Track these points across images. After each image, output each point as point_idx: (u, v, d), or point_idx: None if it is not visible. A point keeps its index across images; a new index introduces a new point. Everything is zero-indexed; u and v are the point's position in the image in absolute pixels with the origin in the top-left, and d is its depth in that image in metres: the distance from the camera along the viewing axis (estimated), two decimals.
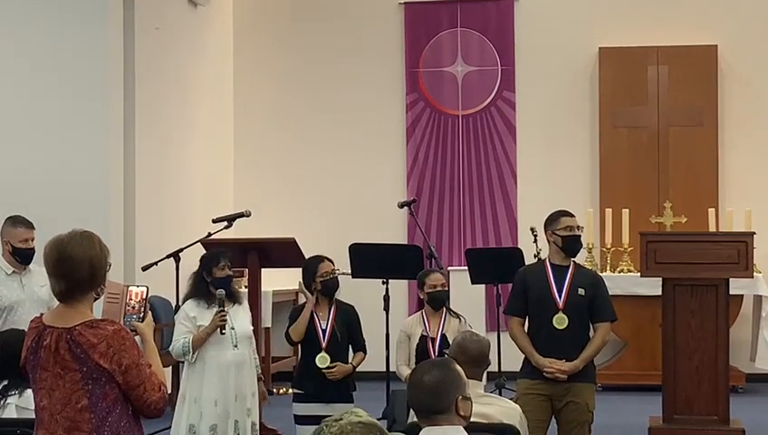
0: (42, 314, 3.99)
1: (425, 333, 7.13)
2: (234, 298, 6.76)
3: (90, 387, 3.78)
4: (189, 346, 6.57)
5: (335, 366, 6.91)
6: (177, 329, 6.74)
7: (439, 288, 7.20)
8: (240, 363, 6.65)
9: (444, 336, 7.04)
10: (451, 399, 3.69)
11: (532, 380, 6.28)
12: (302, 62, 12.03)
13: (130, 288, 4.22)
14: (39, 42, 9.09)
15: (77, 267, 3.86)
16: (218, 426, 6.56)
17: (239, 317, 6.71)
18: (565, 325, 6.24)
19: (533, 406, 6.12)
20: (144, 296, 4.20)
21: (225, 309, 6.61)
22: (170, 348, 6.71)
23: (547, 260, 6.46)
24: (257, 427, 6.80)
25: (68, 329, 3.79)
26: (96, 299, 3.93)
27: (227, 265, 6.72)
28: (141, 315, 4.16)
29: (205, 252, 7.24)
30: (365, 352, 7.14)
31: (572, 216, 6.51)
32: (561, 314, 6.26)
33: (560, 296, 6.28)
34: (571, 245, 6.39)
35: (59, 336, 3.80)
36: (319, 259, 7.10)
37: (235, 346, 6.62)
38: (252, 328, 6.84)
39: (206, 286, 6.68)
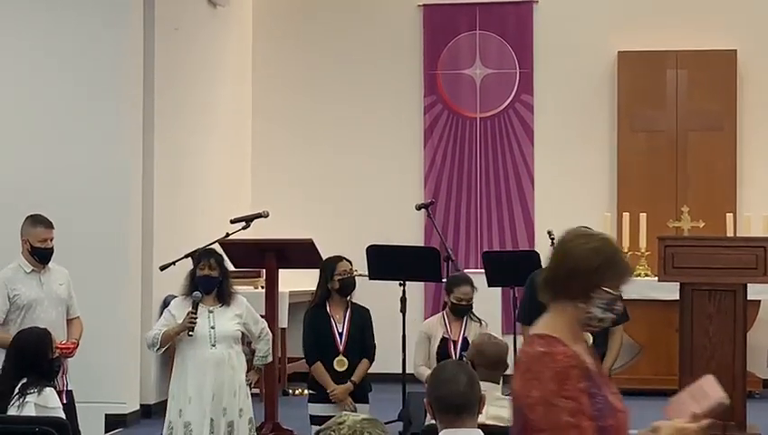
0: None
1: (446, 336, 7.14)
2: (222, 298, 6.82)
3: None
4: (159, 339, 6.73)
5: (335, 390, 6.94)
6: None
7: (464, 302, 7.25)
8: (218, 362, 6.69)
9: (465, 339, 7.05)
10: (479, 397, 3.68)
11: None
12: (321, 64, 12.05)
13: None
14: (59, 43, 9.12)
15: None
16: (192, 423, 6.63)
17: (224, 317, 6.78)
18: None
19: None
20: None
21: (209, 309, 6.73)
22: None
23: None
24: (252, 425, 6.86)
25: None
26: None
27: (209, 266, 6.79)
28: None
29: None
30: (371, 360, 7.14)
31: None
32: None
33: None
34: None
35: None
36: (337, 259, 7.15)
37: (213, 345, 6.69)
38: (239, 329, 6.85)
39: (195, 286, 6.77)
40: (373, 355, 7.15)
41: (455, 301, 7.26)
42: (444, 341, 7.13)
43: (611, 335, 6.35)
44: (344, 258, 7.17)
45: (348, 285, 7.08)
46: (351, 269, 7.14)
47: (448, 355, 7.00)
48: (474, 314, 7.30)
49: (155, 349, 6.82)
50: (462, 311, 7.27)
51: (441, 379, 3.69)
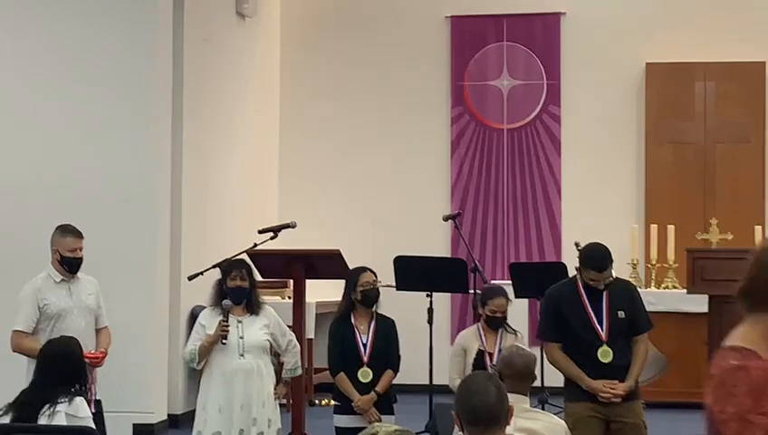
0: None
1: (482, 348, 7.13)
2: (251, 308, 6.84)
3: None
4: (196, 354, 6.76)
5: (359, 400, 6.93)
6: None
7: (498, 314, 7.24)
8: (247, 372, 6.72)
9: (501, 351, 7.03)
10: (507, 408, 3.67)
11: (582, 402, 6.16)
12: (348, 75, 12.08)
13: None
14: (87, 56, 9.17)
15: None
16: (222, 433, 6.65)
17: (252, 327, 6.80)
18: (611, 358, 6.13)
19: (591, 429, 6.03)
20: None
21: (238, 319, 6.76)
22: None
23: (579, 281, 6.21)
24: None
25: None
26: None
27: (240, 277, 6.83)
28: None
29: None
30: (396, 371, 7.11)
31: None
32: (605, 348, 6.09)
33: (601, 326, 6.09)
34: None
35: None
36: (361, 269, 7.14)
37: (242, 355, 6.71)
38: (267, 339, 6.87)
39: (224, 295, 6.79)
40: (398, 366, 7.13)
41: (489, 313, 7.26)
42: (480, 353, 7.12)
43: (636, 344, 6.26)
44: (368, 269, 7.15)
45: (370, 297, 7.06)
46: (375, 280, 7.11)
47: (484, 367, 6.98)
48: (509, 326, 7.30)
49: (195, 364, 6.86)
50: (497, 323, 7.28)
51: (470, 390, 3.66)
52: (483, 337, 7.22)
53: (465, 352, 7.22)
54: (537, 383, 7.28)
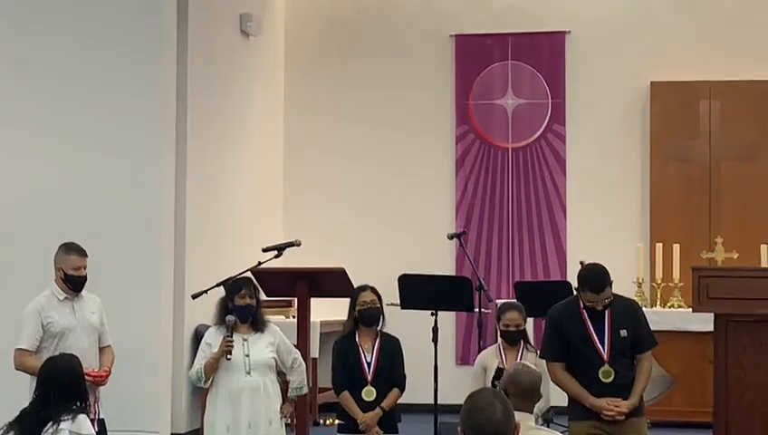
0: None
1: (501, 366, 7.11)
2: (256, 326, 6.83)
3: None
4: (202, 373, 6.75)
5: (364, 417, 6.90)
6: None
7: (512, 328, 7.27)
8: (254, 390, 6.70)
9: None
10: (513, 425, 3.62)
11: (586, 420, 6.15)
12: (353, 93, 12.08)
13: None
14: (91, 72, 9.18)
15: None
16: None
17: (258, 345, 6.79)
18: (612, 378, 6.12)
19: None
20: None
21: (243, 337, 6.75)
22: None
23: (580, 300, 6.20)
24: None
25: None
26: None
27: (248, 295, 6.83)
28: None
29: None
30: (402, 389, 7.08)
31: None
32: (607, 368, 6.11)
33: (603, 345, 6.10)
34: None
35: None
36: (361, 288, 7.13)
37: (248, 373, 6.70)
38: (273, 356, 6.85)
39: (228, 314, 6.78)
40: (404, 385, 7.10)
41: (503, 327, 7.33)
42: (499, 371, 7.09)
43: (640, 362, 6.26)
44: (369, 288, 7.13)
45: (368, 316, 7.04)
46: (374, 300, 7.09)
47: None
48: (530, 344, 7.31)
49: (201, 383, 6.84)
50: (511, 337, 7.30)
51: (476, 407, 3.62)
52: (503, 355, 7.24)
53: (486, 370, 7.22)
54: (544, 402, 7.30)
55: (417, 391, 7.46)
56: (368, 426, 6.88)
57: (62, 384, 5.48)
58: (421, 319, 8.39)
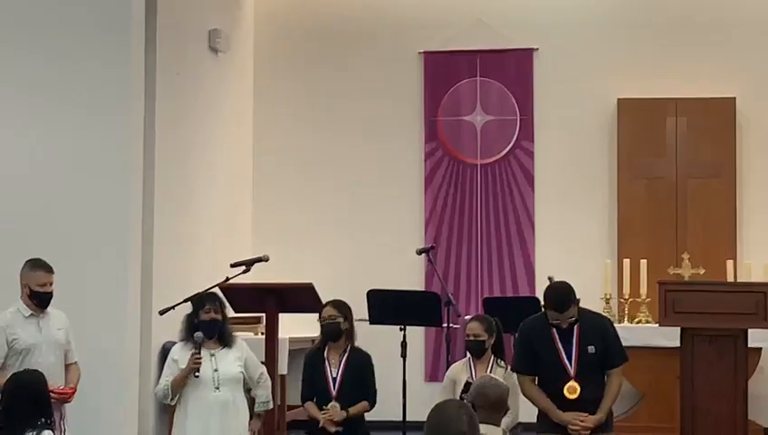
0: None
1: (470, 380, 7.11)
2: (224, 341, 6.81)
3: None
4: (169, 389, 6.73)
5: (328, 411, 6.89)
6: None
7: (471, 338, 7.24)
8: (223, 405, 6.69)
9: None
10: None
11: (553, 434, 6.19)
12: (321, 109, 12.08)
13: None
14: (61, 87, 9.13)
15: None
16: None
17: (226, 360, 6.78)
18: (577, 395, 6.15)
19: None
20: None
21: (211, 352, 6.75)
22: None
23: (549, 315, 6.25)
24: None
25: None
26: None
27: (214, 309, 6.83)
28: None
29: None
30: (372, 403, 7.09)
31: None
32: (572, 384, 6.15)
33: (570, 361, 6.16)
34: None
35: None
36: (323, 304, 7.17)
37: (217, 388, 6.69)
38: (241, 371, 6.83)
39: (195, 329, 6.76)
40: (374, 400, 7.10)
41: (465, 338, 7.30)
42: (467, 385, 7.09)
43: (609, 378, 6.29)
44: (331, 303, 7.17)
45: (327, 331, 7.07)
46: (333, 314, 7.12)
47: None
48: (500, 359, 7.29)
49: (168, 400, 6.81)
50: (473, 347, 7.26)
51: (442, 417, 3.63)
52: (473, 369, 7.22)
53: (455, 383, 7.21)
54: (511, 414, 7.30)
55: (385, 407, 7.44)
56: (330, 417, 6.85)
57: (27, 400, 5.44)
58: (390, 335, 8.39)
